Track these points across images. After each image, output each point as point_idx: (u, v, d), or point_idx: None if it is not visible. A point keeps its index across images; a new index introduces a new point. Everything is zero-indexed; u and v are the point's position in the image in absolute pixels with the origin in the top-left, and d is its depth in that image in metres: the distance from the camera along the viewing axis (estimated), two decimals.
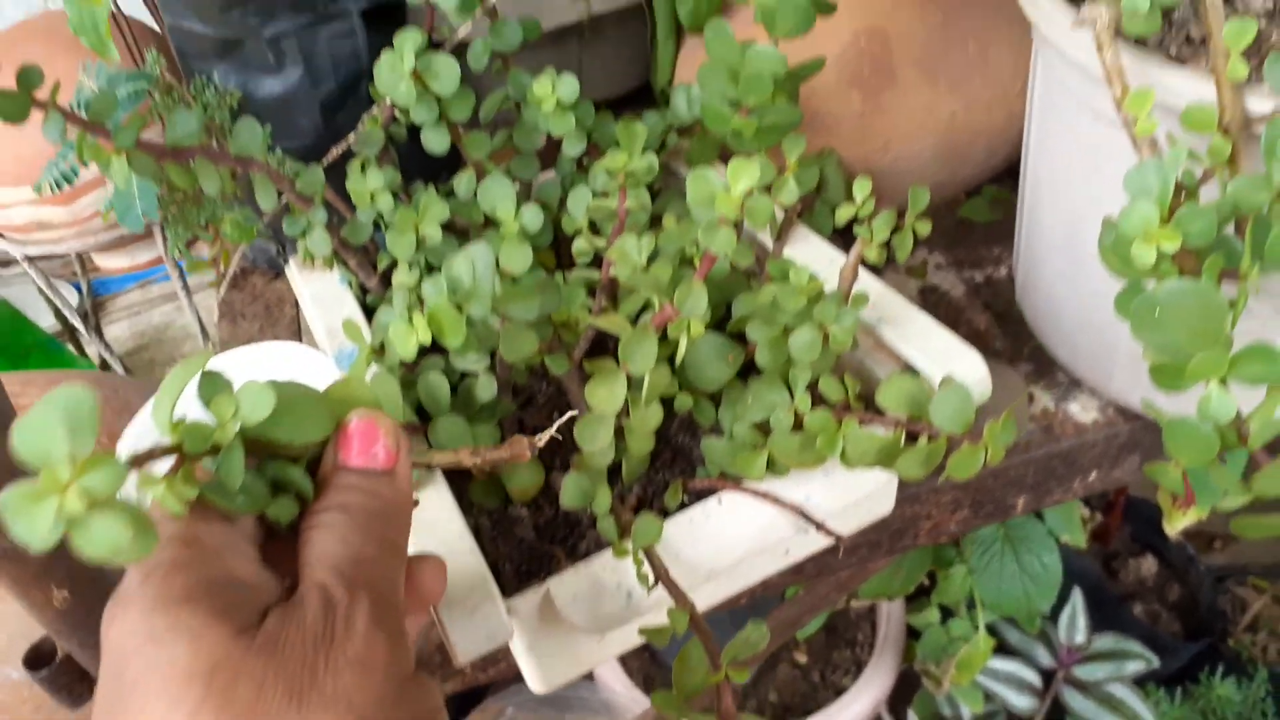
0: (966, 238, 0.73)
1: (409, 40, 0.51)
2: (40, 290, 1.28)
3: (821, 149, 0.61)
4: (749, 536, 0.48)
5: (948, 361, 0.49)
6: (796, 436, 0.44)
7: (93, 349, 1.38)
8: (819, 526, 0.48)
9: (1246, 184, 0.37)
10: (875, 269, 0.64)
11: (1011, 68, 0.60)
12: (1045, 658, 1.06)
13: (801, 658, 1.09)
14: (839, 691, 1.06)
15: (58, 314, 1.39)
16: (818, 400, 0.45)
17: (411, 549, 0.35)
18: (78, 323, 1.29)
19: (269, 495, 0.31)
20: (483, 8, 0.52)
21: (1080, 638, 1.04)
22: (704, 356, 0.48)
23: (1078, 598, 1.02)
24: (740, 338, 0.49)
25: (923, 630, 1.01)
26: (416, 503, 0.36)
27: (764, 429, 0.46)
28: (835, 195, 0.60)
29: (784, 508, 0.47)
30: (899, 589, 0.86)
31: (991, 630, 0.99)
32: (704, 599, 0.51)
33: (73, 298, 1.52)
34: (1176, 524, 0.62)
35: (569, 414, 0.41)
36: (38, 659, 0.50)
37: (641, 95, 0.81)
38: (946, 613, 1.02)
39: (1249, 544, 1.27)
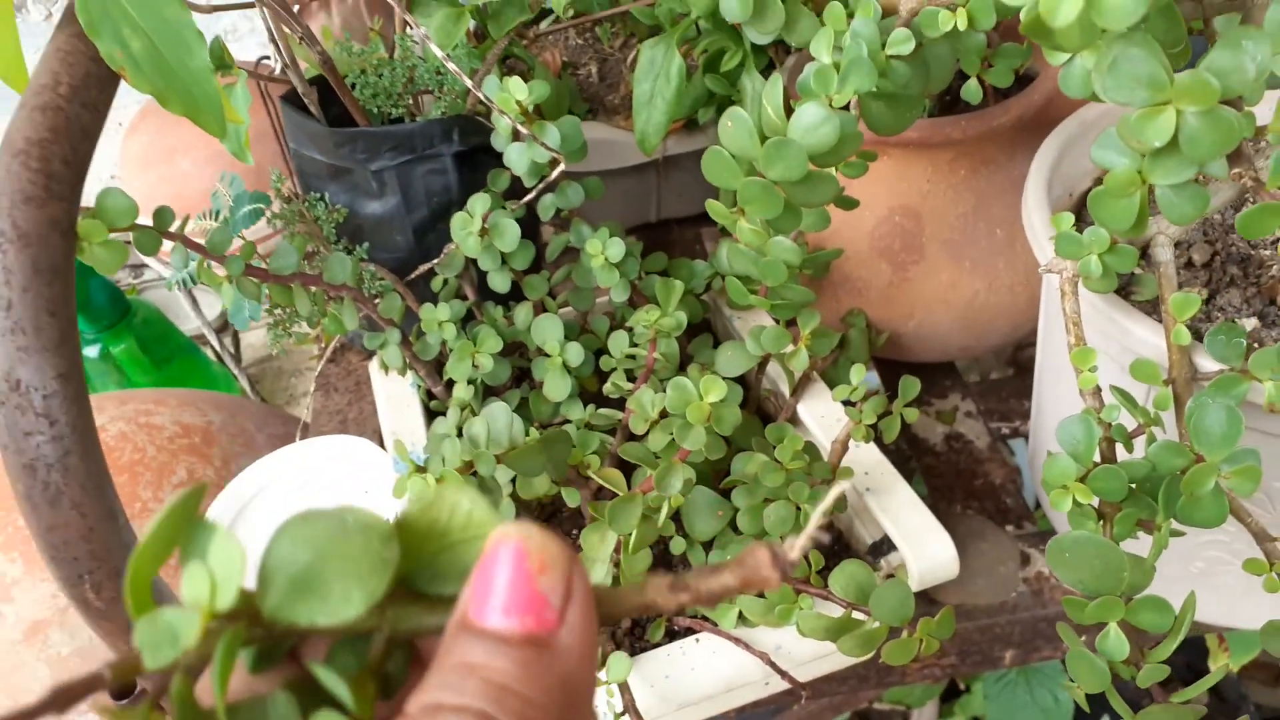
0: (999, 389, 0.77)
1: (479, 201, 0.59)
2: (186, 302, 1.42)
3: (851, 309, 0.66)
4: (723, 674, 0.54)
5: (920, 541, 0.54)
6: (761, 601, 0.50)
7: (228, 358, 1.52)
8: (783, 675, 0.53)
9: (1164, 449, 0.42)
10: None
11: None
12: None
13: None
14: None
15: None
16: None
17: None
18: (211, 337, 1.43)
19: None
20: (552, 171, 0.59)
21: None
22: (697, 510, 0.54)
23: None
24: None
25: None
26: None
27: None
28: (858, 354, 0.65)
29: (754, 654, 0.53)
30: (918, 700, 0.90)
31: None
32: (686, 718, 0.57)
33: (216, 304, 1.67)
34: (1219, 663, 0.66)
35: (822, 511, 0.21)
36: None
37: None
38: None
39: None
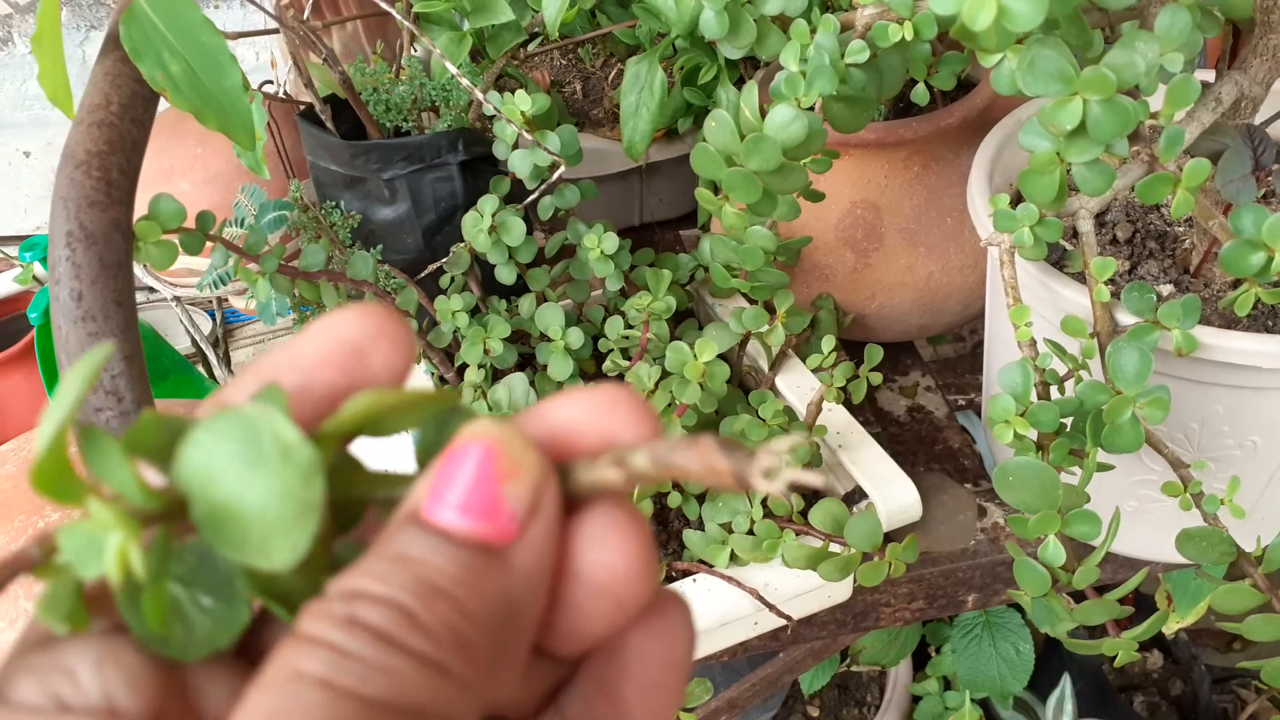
0: (955, 365, 0.85)
1: (488, 201, 0.66)
2: (180, 320, 1.47)
3: (820, 293, 0.74)
4: (718, 611, 0.61)
5: (886, 486, 0.62)
6: (750, 539, 0.57)
7: (220, 372, 1.57)
8: (771, 608, 0.60)
9: (1090, 388, 0.49)
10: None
11: None
12: None
13: (814, 711, 1.20)
14: None
15: (193, 340, 1.59)
16: (769, 512, 0.58)
17: None
18: (209, 352, 1.48)
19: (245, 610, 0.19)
20: (552, 175, 0.66)
21: None
22: None
23: (1066, 684, 1.11)
24: None
25: (923, 697, 1.12)
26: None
27: (729, 529, 0.59)
28: (827, 330, 0.73)
29: (744, 590, 0.60)
30: (893, 659, 0.97)
31: (985, 706, 1.09)
32: None
33: (206, 324, 1.73)
34: (1171, 624, 0.74)
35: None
36: None
37: (694, 217, 0.95)
38: (948, 683, 1.12)
39: (1264, 648, 1.33)
